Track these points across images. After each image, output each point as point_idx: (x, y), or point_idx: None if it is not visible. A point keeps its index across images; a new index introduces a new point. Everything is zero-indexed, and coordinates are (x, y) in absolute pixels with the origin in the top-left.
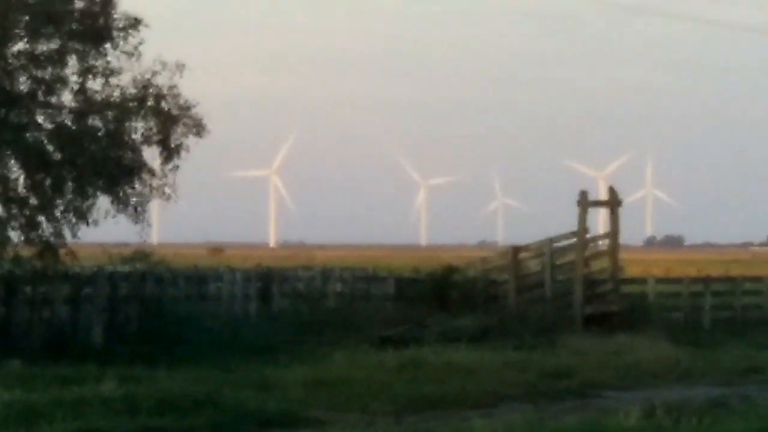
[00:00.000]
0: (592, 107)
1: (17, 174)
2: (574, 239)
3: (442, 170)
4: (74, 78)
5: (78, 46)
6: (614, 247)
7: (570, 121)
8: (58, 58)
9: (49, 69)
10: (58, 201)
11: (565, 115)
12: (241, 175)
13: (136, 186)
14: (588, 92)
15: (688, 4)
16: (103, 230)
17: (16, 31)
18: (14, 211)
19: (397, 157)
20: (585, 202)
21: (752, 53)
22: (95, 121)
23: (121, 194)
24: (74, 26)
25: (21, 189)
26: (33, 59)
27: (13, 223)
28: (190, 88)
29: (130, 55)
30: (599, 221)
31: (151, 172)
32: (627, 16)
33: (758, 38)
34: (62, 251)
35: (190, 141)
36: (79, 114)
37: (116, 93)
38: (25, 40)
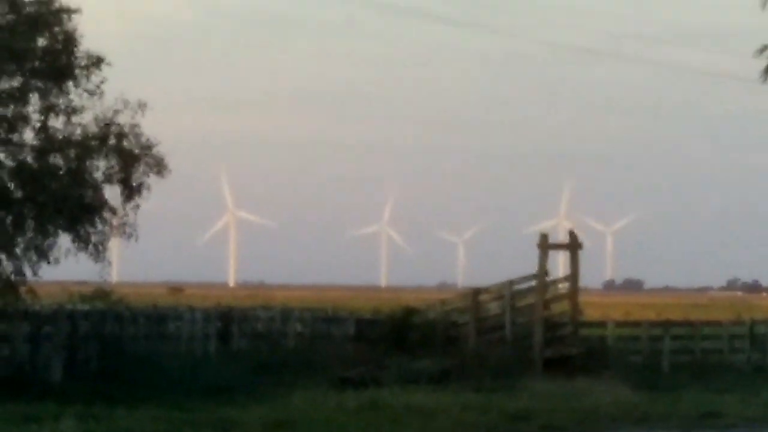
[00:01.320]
0: (544, 148)
1: None
2: (534, 282)
3: (401, 214)
4: (36, 116)
5: (40, 84)
6: (574, 291)
7: (522, 162)
8: (19, 96)
9: (11, 107)
10: (19, 239)
11: (523, 157)
12: (203, 216)
13: (97, 225)
14: (539, 134)
15: (642, 48)
16: (64, 268)
17: None
18: None
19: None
20: (545, 245)
21: (708, 96)
22: (57, 159)
23: (82, 233)
24: (36, 64)
25: None
26: None
27: None
28: (151, 128)
29: (92, 93)
30: (559, 264)
31: (112, 211)
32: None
33: (714, 81)
34: (23, 289)
35: (152, 180)
36: (41, 152)
37: (78, 131)
38: None
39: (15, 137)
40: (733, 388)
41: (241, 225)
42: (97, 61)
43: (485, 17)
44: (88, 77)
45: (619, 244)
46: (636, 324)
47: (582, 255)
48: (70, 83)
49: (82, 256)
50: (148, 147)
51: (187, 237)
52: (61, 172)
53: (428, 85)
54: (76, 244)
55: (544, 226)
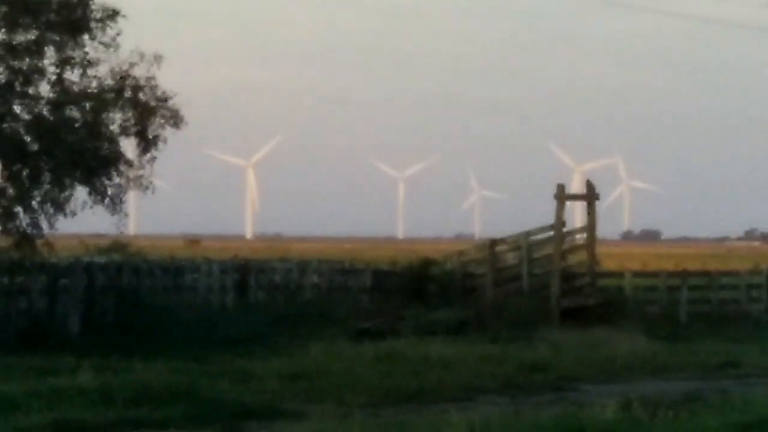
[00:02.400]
0: (569, 102)
1: None
2: (551, 233)
3: (418, 161)
4: (52, 69)
5: (55, 37)
6: (591, 241)
7: (548, 114)
8: (35, 49)
9: (27, 60)
10: (36, 192)
11: (544, 108)
12: (219, 167)
13: (114, 177)
14: (564, 87)
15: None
16: (81, 221)
17: None
18: None
19: (374, 152)
20: (562, 196)
21: (729, 49)
22: (73, 112)
23: (98, 185)
24: (52, 17)
25: None
26: (10, 50)
27: None
28: (168, 80)
29: (107, 46)
30: (576, 215)
31: (129, 164)
32: (606, 11)
33: (736, 34)
34: (39, 242)
35: (168, 132)
36: (57, 105)
37: (94, 84)
38: (3, 30)
39: (31, 90)
40: (751, 337)
41: (260, 174)
42: (112, 14)
43: None
44: (103, 30)
45: (637, 195)
46: (653, 274)
47: (599, 206)
48: (86, 36)
49: (99, 209)
50: (163, 99)
51: (205, 189)
52: (77, 125)
53: (436, 36)
54: (93, 196)
55: (562, 176)
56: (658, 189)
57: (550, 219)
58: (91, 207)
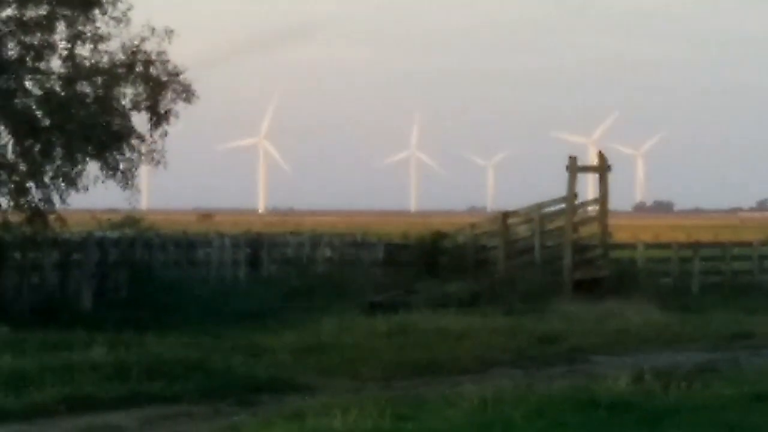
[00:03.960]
0: (577, 76)
1: (6, 140)
2: (563, 205)
3: (433, 139)
4: (63, 44)
5: (66, 12)
6: (603, 213)
7: (556, 88)
8: (46, 24)
9: (38, 35)
10: (47, 167)
11: (552, 82)
12: (231, 143)
13: (125, 152)
14: (572, 60)
15: None
16: (93, 196)
17: None
18: (3, 177)
19: (391, 123)
20: (574, 168)
21: (744, 19)
22: (84, 87)
23: (110, 160)
24: None
25: (10, 155)
26: (21, 25)
27: (2, 189)
28: (179, 54)
29: (118, 21)
30: (588, 187)
31: (140, 138)
32: None
33: (751, 3)
34: (51, 217)
35: (179, 107)
36: (68, 80)
37: (105, 59)
38: (14, 5)
39: (42, 65)
40: (763, 308)
41: (274, 149)
42: None
43: None
44: (114, 4)
45: (649, 166)
46: (666, 245)
47: (611, 177)
48: (97, 11)
49: (111, 184)
50: (175, 74)
51: (217, 163)
52: (88, 100)
53: (447, 10)
54: (105, 171)
55: (574, 147)
56: (671, 160)
57: (562, 191)
58: (103, 182)
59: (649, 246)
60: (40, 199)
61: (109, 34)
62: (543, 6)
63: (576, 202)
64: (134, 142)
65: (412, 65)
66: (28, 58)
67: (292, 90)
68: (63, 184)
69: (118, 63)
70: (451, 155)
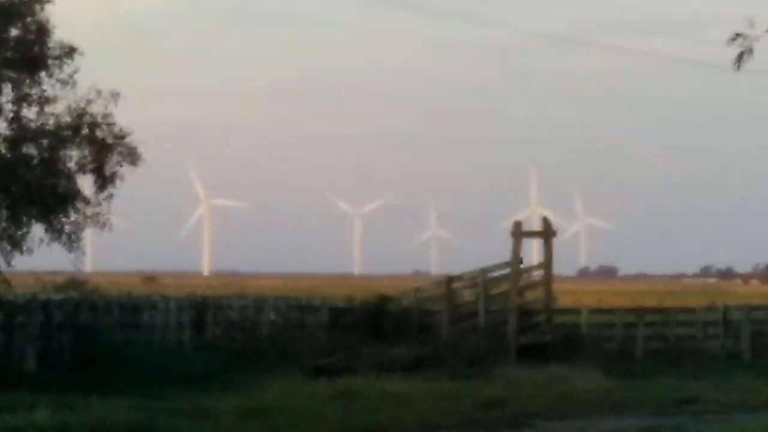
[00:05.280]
0: (522, 138)
1: None
2: (508, 269)
3: (374, 199)
4: (9, 106)
5: (13, 74)
6: (548, 278)
7: (502, 152)
8: None
9: None
10: None
11: (503, 145)
12: (176, 203)
13: (71, 215)
14: (519, 123)
15: (612, 36)
16: (37, 258)
17: None
18: None
19: (329, 188)
20: (519, 233)
21: (689, 86)
22: (30, 149)
23: (55, 222)
24: (9, 54)
25: None
26: None
27: None
28: (125, 117)
29: (65, 83)
30: (533, 252)
31: (86, 201)
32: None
33: (694, 71)
34: None
35: (125, 169)
36: (14, 142)
37: (51, 121)
38: None
39: None
40: (708, 374)
41: (215, 213)
42: (69, 51)
43: (458, 6)
44: (60, 67)
45: (593, 232)
46: (610, 311)
47: (556, 243)
48: (43, 73)
49: (56, 246)
50: (121, 136)
51: (161, 226)
52: (34, 162)
53: (401, 74)
54: (50, 234)
55: (517, 215)
56: (614, 226)
57: (506, 256)
58: (48, 244)
59: (593, 311)
60: None
61: (56, 96)
62: (492, 70)
63: (521, 267)
64: (79, 204)
65: (351, 125)
66: None
67: (236, 151)
68: (8, 246)
69: (64, 125)
70: (393, 217)
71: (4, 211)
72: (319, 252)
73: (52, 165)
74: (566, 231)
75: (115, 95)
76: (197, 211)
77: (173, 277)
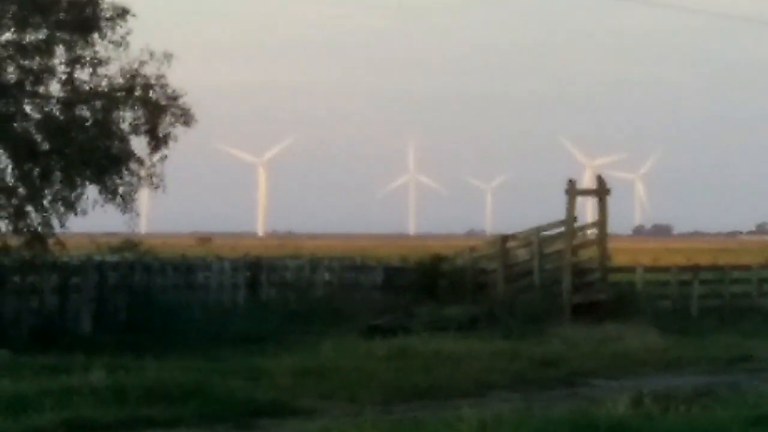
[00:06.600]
0: (580, 97)
1: (5, 164)
2: (562, 228)
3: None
4: (62, 68)
5: (65, 36)
6: (603, 236)
7: (559, 110)
8: (45, 48)
9: (37, 59)
10: (46, 191)
11: (555, 104)
12: (231, 165)
13: (124, 175)
14: (575, 82)
15: None
16: (92, 220)
17: (4, 20)
18: (2, 200)
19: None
20: (573, 191)
21: (742, 44)
22: (83, 111)
23: (109, 184)
24: (61, 16)
25: (9, 179)
26: (20, 49)
27: (2, 213)
28: (178, 78)
29: (117, 44)
30: (587, 210)
31: (139, 162)
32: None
33: (748, 28)
34: (50, 241)
35: (179, 130)
36: (67, 104)
37: (104, 83)
38: (13, 30)
39: (41, 90)
40: (762, 331)
41: (272, 172)
42: (122, 13)
43: None
44: (113, 29)
45: (649, 189)
46: (665, 269)
47: (610, 201)
48: (96, 35)
49: (110, 208)
50: (174, 98)
51: (216, 187)
52: (87, 124)
53: (446, 34)
54: (104, 195)
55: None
56: (670, 183)
57: (561, 215)
58: (102, 205)
59: (648, 269)
60: (39, 223)
61: (108, 58)
62: (542, 30)
63: (575, 226)
64: (133, 165)
65: (410, 89)
66: (27, 82)
67: (291, 113)
68: (62, 208)
69: (117, 87)
70: (449, 179)
71: (58, 173)
72: (375, 213)
73: (105, 126)
74: (621, 189)
75: (167, 56)
76: (257, 171)
77: (228, 238)
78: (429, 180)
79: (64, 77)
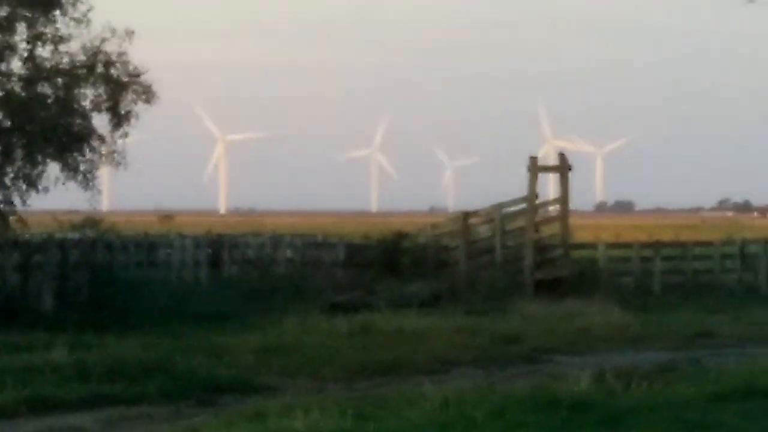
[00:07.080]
0: (549, 77)
1: None
2: (524, 205)
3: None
4: (23, 45)
5: (27, 13)
6: (564, 213)
7: (524, 87)
8: (6, 25)
9: None
10: (8, 168)
11: (520, 81)
12: (194, 142)
13: (86, 153)
14: (543, 61)
15: None
16: (53, 198)
17: None
18: None
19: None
20: (535, 168)
21: (708, 20)
22: (45, 89)
23: (70, 161)
24: None
25: None
26: None
27: None
28: (140, 56)
29: (79, 21)
30: (549, 187)
31: (101, 139)
32: None
33: (716, 5)
34: (12, 218)
35: (140, 108)
36: (29, 81)
37: (65, 60)
38: None
39: (2, 67)
40: (725, 307)
41: (232, 149)
42: None
43: None
44: (74, 5)
45: (610, 165)
46: (627, 245)
47: (572, 177)
48: (57, 12)
49: (72, 185)
50: (135, 75)
51: (178, 164)
52: (49, 101)
53: (411, 10)
54: (65, 172)
55: (534, 149)
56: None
57: (523, 191)
58: (63, 183)
59: (610, 246)
60: (0, 201)
61: (70, 35)
62: (515, 10)
63: (537, 202)
64: (95, 143)
65: (381, 66)
66: None
67: (255, 88)
68: (24, 186)
69: (78, 64)
70: (411, 156)
71: (20, 151)
72: (336, 189)
73: (67, 104)
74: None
75: (129, 33)
76: (215, 149)
77: (190, 216)
78: (389, 158)
79: (25, 54)
